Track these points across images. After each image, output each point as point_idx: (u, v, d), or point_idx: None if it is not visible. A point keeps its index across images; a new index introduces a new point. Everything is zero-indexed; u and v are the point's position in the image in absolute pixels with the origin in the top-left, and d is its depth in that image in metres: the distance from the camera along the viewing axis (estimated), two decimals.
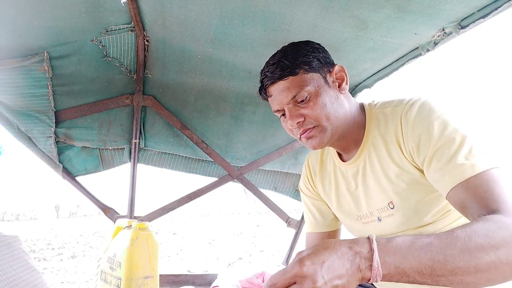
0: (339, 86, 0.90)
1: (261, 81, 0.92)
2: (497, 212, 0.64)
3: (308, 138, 0.88)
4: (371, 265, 0.55)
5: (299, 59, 0.86)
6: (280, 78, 0.86)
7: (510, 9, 0.98)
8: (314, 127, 0.87)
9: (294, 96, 0.85)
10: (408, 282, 0.57)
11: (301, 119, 0.86)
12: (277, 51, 0.91)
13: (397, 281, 0.57)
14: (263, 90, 0.92)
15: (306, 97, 0.85)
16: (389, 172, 0.87)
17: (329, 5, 1.09)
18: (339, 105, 0.88)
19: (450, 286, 0.57)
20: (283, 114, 0.91)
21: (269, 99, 0.93)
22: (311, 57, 0.87)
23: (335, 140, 0.91)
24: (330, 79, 0.89)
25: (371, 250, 0.56)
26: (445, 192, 0.74)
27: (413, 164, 0.83)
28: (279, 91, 0.87)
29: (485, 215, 0.64)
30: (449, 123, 0.77)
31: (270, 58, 0.91)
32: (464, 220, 0.82)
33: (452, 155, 0.73)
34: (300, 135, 0.89)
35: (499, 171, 0.70)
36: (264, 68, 0.91)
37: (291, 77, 0.85)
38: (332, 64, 0.91)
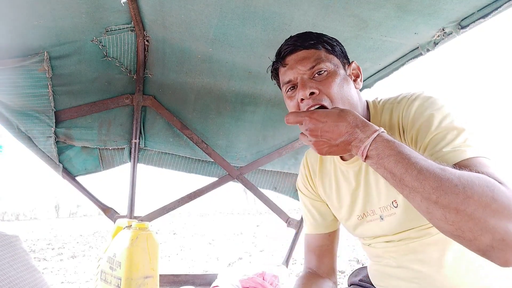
0: (354, 81, 0.91)
1: (279, 51, 0.90)
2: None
3: None
4: (359, 147, 0.69)
5: (323, 38, 0.88)
6: (303, 47, 0.86)
7: (510, 9, 0.98)
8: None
9: (313, 66, 0.84)
10: (382, 175, 0.68)
11: (316, 91, 0.83)
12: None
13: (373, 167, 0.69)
14: (279, 60, 0.90)
15: (324, 71, 0.84)
16: None
17: (329, 4, 1.09)
18: (355, 94, 0.88)
19: (408, 199, 0.65)
20: (292, 87, 0.88)
21: (282, 70, 0.90)
22: (335, 43, 0.89)
23: None
24: (347, 70, 0.90)
25: (368, 138, 0.68)
26: None
27: None
28: (298, 60, 0.86)
29: None
30: (449, 115, 0.77)
31: (293, 34, 0.91)
32: None
33: (447, 143, 0.73)
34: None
35: (492, 161, 0.70)
36: (284, 41, 0.91)
37: (313, 50, 0.86)
38: (349, 61, 0.93)
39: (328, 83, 0.83)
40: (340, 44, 0.92)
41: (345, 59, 0.91)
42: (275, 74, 0.95)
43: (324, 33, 0.91)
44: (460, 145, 0.71)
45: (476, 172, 0.63)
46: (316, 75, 0.84)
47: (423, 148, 0.77)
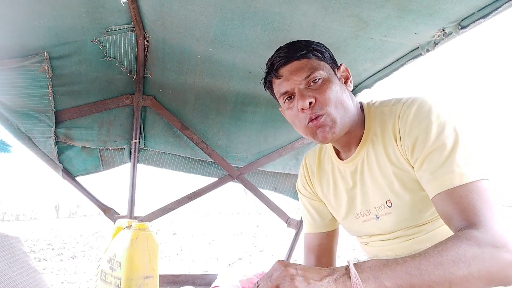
0: (345, 83, 0.93)
1: (271, 63, 0.91)
2: (474, 227, 0.65)
3: (319, 126, 0.85)
4: (349, 276, 0.56)
5: (312, 46, 0.90)
6: (295, 58, 0.87)
7: (510, 9, 0.98)
8: (323, 114, 0.84)
9: (308, 76, 0.86)
10: None
11: (313, 100, 0.84)
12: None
13: None
14: (273, 72, 0.91)
15: (319, 79, 0.86)
16: (386, 170, 0.87)
17: (329, 5, 1.09)
18: (347, 97, 0.90)
19: None
20: (289, 98, 0.90)
21: (277, 81, 0.91)
22: (323, 49, 0.91)
23: (341, 135, 0.90)
24: (338, 74, 0.92)
25: (347, 265, 0.58)
26: (431, 195, 0.76)
27: (408, 161, 0.84)
28: (292, 71, 0.88)
29: (463, 227, 0.66)
30: (446, 126, 0.77)
31: (283, 45, 0.93)
32: None
33: (444, 160, 0.73)
34: (309, 122, 0.86)
35: (487, 183, 0.70)
36: (275, 53, 0.92)
37: (305, 59, 0.87)
38: (338, 64, 0.95)
39: (323, 90, 0.85)
40: (328, 49, 0.94)
41: (333, 63, 0.93)
42: (268, 85, 0.96)
43: (311, 40, 0.93)
44: (459, 163, 0.72)
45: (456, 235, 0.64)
46: (312, 83, 0.86)
47: (420, 162, 0.78)
